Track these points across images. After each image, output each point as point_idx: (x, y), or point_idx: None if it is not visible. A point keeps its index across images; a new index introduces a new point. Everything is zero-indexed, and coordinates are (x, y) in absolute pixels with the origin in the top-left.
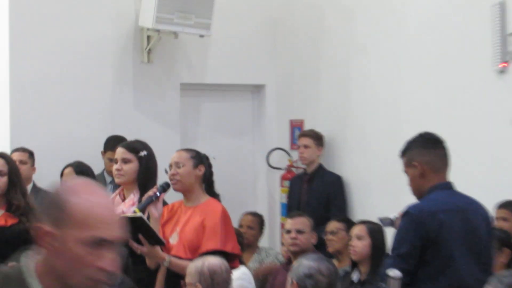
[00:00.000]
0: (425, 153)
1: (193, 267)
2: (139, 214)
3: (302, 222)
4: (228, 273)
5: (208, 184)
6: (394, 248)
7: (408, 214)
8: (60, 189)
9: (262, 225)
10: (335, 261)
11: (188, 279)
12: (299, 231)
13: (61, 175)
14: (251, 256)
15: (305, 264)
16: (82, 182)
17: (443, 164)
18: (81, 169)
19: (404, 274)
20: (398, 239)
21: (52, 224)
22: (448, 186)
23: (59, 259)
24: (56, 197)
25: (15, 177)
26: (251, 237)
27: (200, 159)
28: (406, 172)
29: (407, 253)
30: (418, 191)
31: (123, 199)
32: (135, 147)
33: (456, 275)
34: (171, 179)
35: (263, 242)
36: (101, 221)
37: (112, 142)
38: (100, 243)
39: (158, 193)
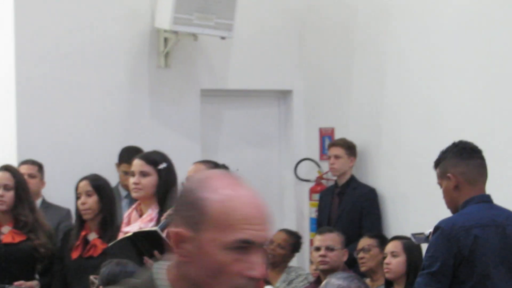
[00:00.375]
0: (460, 164)
1: None
2: (154, 228)
3: (332, 238)
4: None
5: None
6: (425, 266)
7: (439, 229)
8: (194, 185)
9: (296, 246)
10: (368, 281)
11: None
12: (329, 248)
13: (76, 188)
14: (279, 276)
15: (334, 283)
16: (219, 173)
17: (479, 175)
18: (98, 183)
19: None
20: (429, 256)
21: (188, 227)
22: (485, 199)
23: (196, 266)
24: (190, 194)
25: (23, 192)
26: (278, 257)
27: None
28: (440, 184)
29: (439, 271)
30: (452, 205)
31: (140, 215)
32: (154, 159)
33: None
34: None
35: (292, 260)
36: (246, 219)
37: (127, 154)
38: (246, 246)
39: None
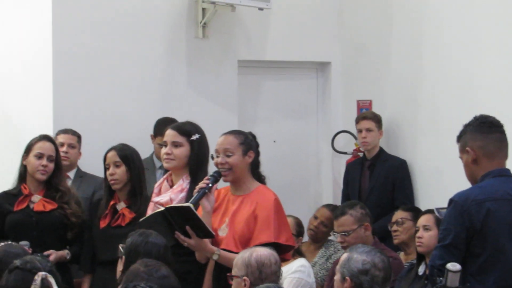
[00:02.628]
0: (478, 138)
1: (240, 259)
2: (187, 204)
3: (344, 222)
4: (278, 265)
5: (253, 165)
6: (439, 239)
7: (452, 202)
8: None
9: None
10: (401, 254)
11: (234, 272)
12: (344, 233)
13: (104, 159)
14: (317, 250)
15: (358, 258)
16: None
17: (498, 149)
18: (125, 153)
19: None
20: (443, 229)
21: None
22: (503, 173)
23: None
24: None
25: (59, 162)
26: (320, 234)
27: (249, 144)
28: (461, 158)
29: (452, 244)
30: (472, 178)
31: (171, 185)
32: (187, 129)
33: (506, 269)
34: (219, 168)
35: None
36: None
37: (163, 126)
38: None
39: (210, 184)
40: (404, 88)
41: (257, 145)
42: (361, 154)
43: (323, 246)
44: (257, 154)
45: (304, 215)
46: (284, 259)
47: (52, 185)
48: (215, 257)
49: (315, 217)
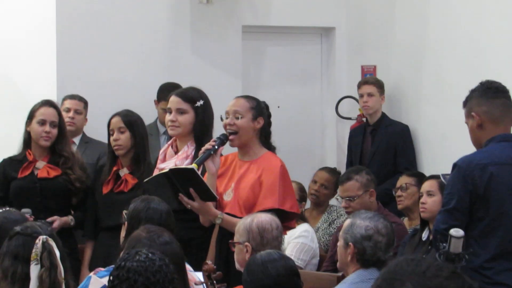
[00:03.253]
0: (484, 103)
1: (241, 225)
2: (191, 166)
3: (350, 187)
4: (279, 231)
5: (264, 135)
6: (443, 203)
7: (456, 167)
8: None
9: (337, 185)
10: (405, 220)
11: (236, 238)
12: (351, 198)
13: (108, 124)
14: (320, 216)
15: (361, 224)
16: None
17: (503, 115)
18: (130, 119)
19: None
20: (446, 194)
21: None
22: (507, 138)
23: None
24: None
25: (64, 128)
26: (322, 197)
27: (260, 110)
28: (467, 123)
29: (455, 208)
30: (477, 143)
31: (176, 152)
32: (191, 96)
33: (509, 233)
34: (227, 130)
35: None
36: None
37: (167, 91)
38: None
39: (216, 146)
40: (409, 54)
41: (269, 115)
42: (365, 120)
43: (326, 211)
44: (269, 124)
45: (308, 180)
46: (289, 227)
47: (56, 151)
48: (218, 221)
49: (314, 181)
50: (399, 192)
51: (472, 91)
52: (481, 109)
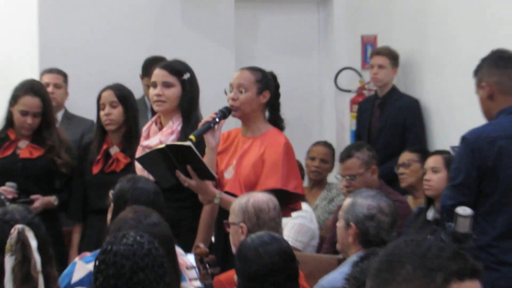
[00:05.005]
0: (495, 73)
1: (237, 205)
2: (188, 143)
3: (351, 165)
4: (277, 211)
5: (272, 107)
6: (450, 178)
7: (464, 140)
8: None
9: (334, 158)
10: (410, 198)
11: (231, 218)
12: (352, 177)
13: (98, 99)
14: (318, 193)
15: (363, 203)
16: None
17: None
18: (123, 93)
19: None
20: (453, 168)
21: None
22: None
23: None
24: None
25: (49, 115)
26: (324, 172)
27: (266, 83)
28: (477, 93)
29: (463, 184)
30: (487, 115)
31: (160, 128)
32: (178, 68)
33: None
34: (230, 104)
35: (330, 176)
36: None
37: (152, 66)
38: None
39: (217, 119)
40: (412, 21)
41: (276, 86)
42: (366, 92)
43: (325, 188)
44: (277, 95)
45: (305, 157)
46: (293, 209)
47: (41, 134)
48: (216, 200)
49: (312, 158)
50: (401, 169)
51: (483, 60)
52: (492, 79)
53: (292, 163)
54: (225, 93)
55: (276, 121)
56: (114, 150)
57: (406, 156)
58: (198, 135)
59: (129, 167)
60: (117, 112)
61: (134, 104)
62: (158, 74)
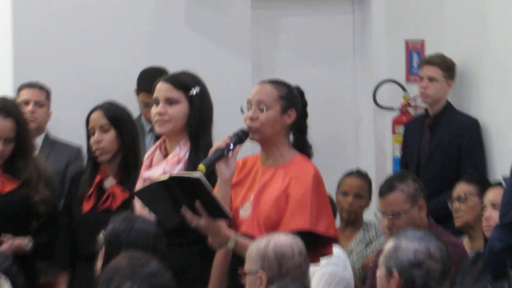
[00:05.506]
0: None
1: (254, 250)
2: (197, 174)
3: (395, 200)
4: (303, 257)
5: (299, 130)
6: (500, 216)
7: None
8: None
9: (371, 191)
10: (465, 240)
11: (247, 266)
12: (395, 214)
13: (87, 122)
14: (354, 235)
15: (408, 247)
16: None
17: None
18: (115, 113)
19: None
20: (504, 204)
21: None
22: None
23: None
24: None
25: (25, 141)
26: (359, 211)
27: (292, 100)
28: None
29: None
30: None
31: (165, 155)
32: (185, 82)
33: None
34: (248, 125)
35: (367, 213)
36: None
37: (149, 79)
38: None
39: (231, 145)
40: (467, 25)
41: (304, 104)
42: (411, 110)
43: (361, 228)
44: (305, 115)
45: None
46: (324, 254)
47: (15, 164)
48: (230, 244)
49: (344, 193)
50: (456, 204)
51: None
52: None
53: (323, 198)
54: (242, 111)
55: (303, 147)
56: (110, 183)
57: (461, 188)
58: (208, 164)
59: (127, 204)
60: (109, 138)
61: (130, 125)
62: (161, 88)
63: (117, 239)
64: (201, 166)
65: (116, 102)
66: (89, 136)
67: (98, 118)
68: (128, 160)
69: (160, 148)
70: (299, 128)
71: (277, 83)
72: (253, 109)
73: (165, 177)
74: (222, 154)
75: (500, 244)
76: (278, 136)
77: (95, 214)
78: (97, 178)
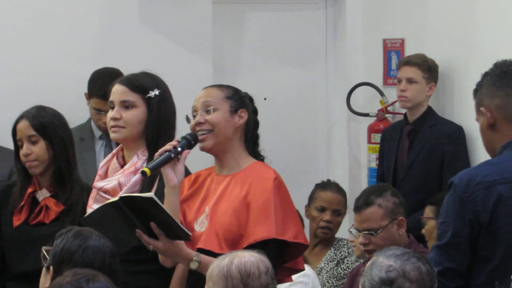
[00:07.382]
0: (497, 94)
1: (215, 269)
2: (149, 194)
3: (370, 216)
4: (270, 275)
5: (250, 140)
6: (437, 237)
7: (452, 186)
8: None
9: (347, 206)
10: None
11: (209, 286)
12: (371, 231)
13: (13, 133)
14: (323, 253)
15: (383, 263)
16: None
17: None
18: (42, 120)
19: (449, 275)
20: (440, 223)
21: None
22: None
23: None
24: None
25: None
26: (337, 227)
27: (241, 101)
28: (477, 120)
29: (450, 244)
30: (490, 149)
31: (122, 164)
32: (142, 83)
33: None
34: (197, 131)
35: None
36: None
37: (101, 82)
38: None
39: (179, 148)
40: (450, 23)
41: (254, 111)
42: (389, 117)
43: (332, 246)
44: (255, 125)
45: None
46: (294, 270)
47: None
48: (193, 265)
49: (321, 209)
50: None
51: (484, 76)
52: (494, 103)
53: (287, 204)
54: (187, 120)
55: (255, 158)
56: (43, 195)
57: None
58: (154, 167)
59: (63, 218)
60: (39, 150)
61: (61, 132)
62: (116, 91)
63: (69, 259)
64: (146, 169)
65: (43, 107)
66: (16, 147)
67: (25, 128)
68: (61, 169)
69: (117, 157)
70: (250, 138)
71: (221, 86)
72: (199, 113)
73: (114, 198)
74: (169, 157)
75: (437, 267)
76: (231, 141)
77: (26, 228)
78: (29, 190)
